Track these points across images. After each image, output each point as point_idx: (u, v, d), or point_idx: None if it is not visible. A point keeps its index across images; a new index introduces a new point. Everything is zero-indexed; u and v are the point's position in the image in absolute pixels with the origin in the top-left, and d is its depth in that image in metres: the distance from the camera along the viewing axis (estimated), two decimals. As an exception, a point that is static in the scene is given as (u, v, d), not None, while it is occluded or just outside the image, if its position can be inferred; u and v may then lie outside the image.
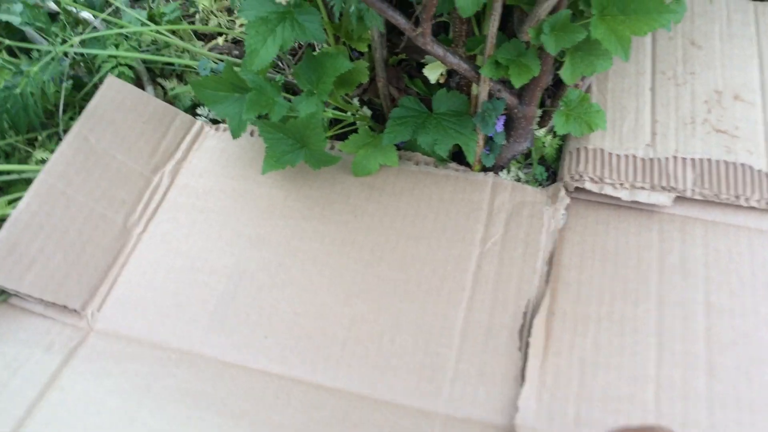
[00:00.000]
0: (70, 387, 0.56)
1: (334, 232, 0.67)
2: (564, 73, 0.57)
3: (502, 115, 0.66)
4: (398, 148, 0.76)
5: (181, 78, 0.88)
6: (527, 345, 0.58)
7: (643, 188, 0.67)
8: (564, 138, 0.73)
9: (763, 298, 0.61)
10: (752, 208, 0.66)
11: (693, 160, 0.68)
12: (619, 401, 0.55)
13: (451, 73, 0.69)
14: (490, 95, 0.63)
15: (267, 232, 0.67)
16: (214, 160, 0.75)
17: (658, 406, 0.54)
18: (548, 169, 0.73)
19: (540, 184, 0.72)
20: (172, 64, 0.87)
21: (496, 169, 0.73)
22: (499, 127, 0.67)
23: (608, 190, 0.68)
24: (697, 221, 0.67)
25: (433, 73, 0.67)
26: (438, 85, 0.68)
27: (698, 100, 0.73)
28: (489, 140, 0.69)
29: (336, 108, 0.72)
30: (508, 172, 0.73)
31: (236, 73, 0.63)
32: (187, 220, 0.69)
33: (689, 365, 0.57)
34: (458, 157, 0.74)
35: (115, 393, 0.55)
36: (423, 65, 0.68)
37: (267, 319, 0.61)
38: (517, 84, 0.56)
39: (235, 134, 0.65)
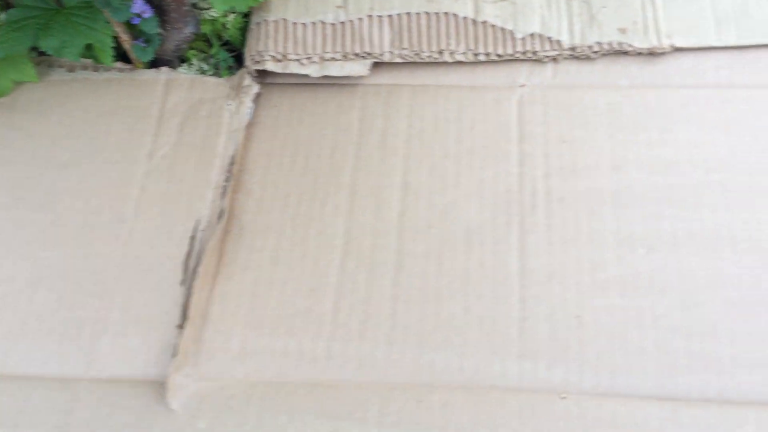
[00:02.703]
0: None
1: (-38, 174, 0.54)
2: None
3: (142, -6, 0.53)
4: (44, 54, 0.61)
5: None
6: (193, 276, 0.51)
7: (334, 59, 0.58)
8: (249, 15, 0.61)
9: (466, 167, 0.55)
10: (459, 63, 0.58)
11: (390, 17, 0.58)
12: (292, 319, 0.49)
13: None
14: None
15: None
16: None
17: (335, 317, 0.49)
18: (236, 54, 0.62)
19: (228, 72, 0.61)
20: None
21: (173, 63, 0.60)
22: (142, 9, 0.53)
23: (294, 68, 0.57)
24: (403, 89, 0.59)
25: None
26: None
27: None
28: (141, 31, 0.56)
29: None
30: (190, 65, 0.61)
31: None
32: None
33: (377, 262, 0.52)
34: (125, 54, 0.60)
35: None
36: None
37: None
38: None
39: None
